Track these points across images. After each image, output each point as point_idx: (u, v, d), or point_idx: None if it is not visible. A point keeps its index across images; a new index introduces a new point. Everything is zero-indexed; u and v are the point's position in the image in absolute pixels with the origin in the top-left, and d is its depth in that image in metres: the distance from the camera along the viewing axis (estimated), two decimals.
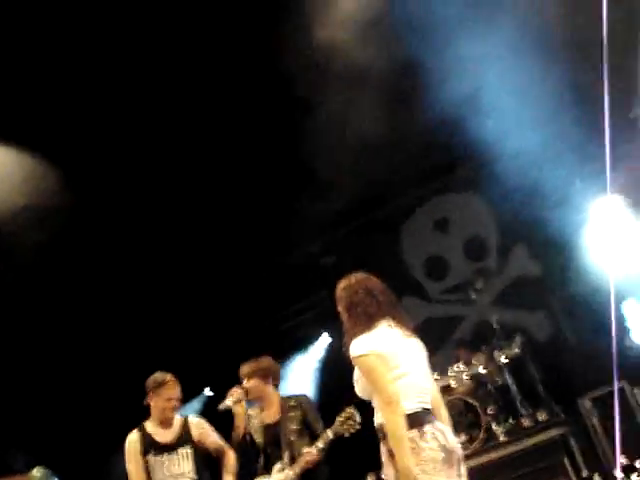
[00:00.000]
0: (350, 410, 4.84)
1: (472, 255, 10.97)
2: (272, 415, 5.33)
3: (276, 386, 5.45)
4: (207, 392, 11.94)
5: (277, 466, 5.18)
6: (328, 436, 4.93)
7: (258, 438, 5.32)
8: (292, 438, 5.15)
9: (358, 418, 4.81)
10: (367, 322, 3.87)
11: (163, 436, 5.27)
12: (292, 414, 5.25)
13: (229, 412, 5.31)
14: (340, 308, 4.08)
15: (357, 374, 3.86)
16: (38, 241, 9.05)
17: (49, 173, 9.13)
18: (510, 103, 8.27)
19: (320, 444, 4.97)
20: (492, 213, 10.86)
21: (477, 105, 8.40)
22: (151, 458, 5.19)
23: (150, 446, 5.22)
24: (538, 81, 8.05)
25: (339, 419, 4.86)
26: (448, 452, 3.61)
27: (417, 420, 3.66)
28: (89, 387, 10.70)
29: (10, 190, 9.17)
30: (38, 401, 10.39)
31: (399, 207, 11.25)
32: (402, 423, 3.56)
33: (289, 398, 5.38)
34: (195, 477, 5.17)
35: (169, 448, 5.20)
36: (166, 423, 5.31)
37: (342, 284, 4.12)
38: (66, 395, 10.59)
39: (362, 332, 3.84)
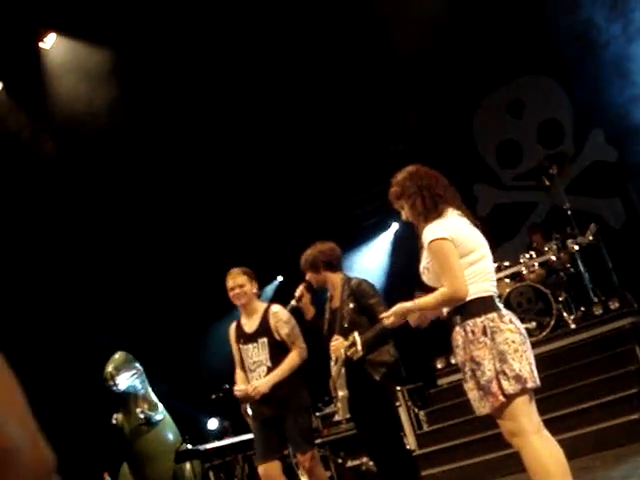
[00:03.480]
0: (353, 337, 4.92)
1: (547, 140, 10.69)
2: (336, 301, 5.41)
3: (335, 270, 5.41)
4: (279, 279, 12.21)
5: (333, 358, 5.26)
6: (342, 356, 5.05)
7: (325, 324, 5.44)
8: (346, 325, 5.19)
9: (359, 346, 4.90)
10: (436, 209, 3.80)
11: (249, 326, 5.60)
12: (347, 302, 5.29)
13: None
14: (404, 198, 3.93)
15: (426, 261, 3.82)
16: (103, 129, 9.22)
17: (112, 65, 9.21)
18: None
19: (340, 363, 5.09)
20: (569, 97, 10.51)
21: None
22: (241, 346, 5.60)
23: (240, 335, 5.62)
24: None
25: (346, 344, 4.95)
26: (524, 336, 3.64)
27: (495, 303, 3.68)
28: (175, 280, 11.07)
29: (75, 82, 9.30)
30: (126, 289, 10.80)
31: (472, 91, 10.95)
32: (453, 307, 3.69)
33: (347, 284, 5.38)
34: (270, 365, 5.44)
35: (252, 337, 5.54)
36: (248, 312, 5.61)
37: (404, 174, 3.97)
38: (154, 287, 10.98)
39: (435, 218, 3.78)
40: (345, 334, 5.12)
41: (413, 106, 10.77)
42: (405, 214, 3.98)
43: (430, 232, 3.74)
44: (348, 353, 4.96)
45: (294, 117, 10.41)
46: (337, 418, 5.59)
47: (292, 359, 5.45)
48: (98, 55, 9.28)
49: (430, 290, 3.90)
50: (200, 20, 9.20)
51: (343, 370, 5.15)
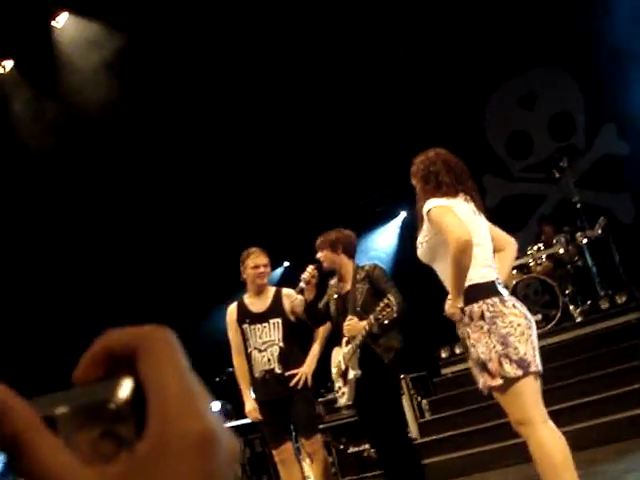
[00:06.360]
0: (390, 298, 4.90)
1: (558, 133, 10.63)
2: (346, 285, 5.43)
3: (350, 256, 5.47)
4: (286, 264, 12.27)
5: (345, 339, 5.32)
6: (371, 320, 5.02)
7: (332, 308, 5.47)
8: (359, 310, 5.24)
9: (395, 307, 4.86)
10: (442, 191, 3.81)
11: (257, 306, 5.59)
12: (361, 285, 5.32)
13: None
14: (415, 181, 4.01)
15: (422, 235, 3.83)
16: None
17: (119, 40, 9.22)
18: None
19: (367, 326, 5.07)
20: (581, 90, 10.44)
21: None
22: (246, 326, 5.56)
23: (245, 316, 5.59)
24: None
25: (380, 305, 4.93)
26: (529, 321, 3.64)
27: (495, 288, 3.67)
28: (181, 260, 11.09)
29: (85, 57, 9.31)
30: (134, 268, 10.81)
31: (484, 81, 10.89)
32: (468, 262, 3.58)
33: (361, 268, 5.43)
34: (282, 345, 5.47)
35: (261, 318, 5.54)
36: (259, 293, 5.61)
37: (419, 157, 4.04)
38: (160, 267, 11.01)
39: (439, 197, 3.80)
40: (358, 315, 5.16)
41: (425, 95, 10.72)
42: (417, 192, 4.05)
43: (430, 203, 3.75)
44: (380, 316, 4.93)
45: (305, 103, 10.38)
46: (342, 403, 5.56)
47: (324, 331, 5.55)
48: (109, 37, 9.27)
49: (424, 266, 3.93)
50: (214, 13, 9.19)
51: (358, 350, 5.18)
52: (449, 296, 3.74)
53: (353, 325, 5.15)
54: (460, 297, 3.64)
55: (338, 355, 5.40)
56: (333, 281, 5.57)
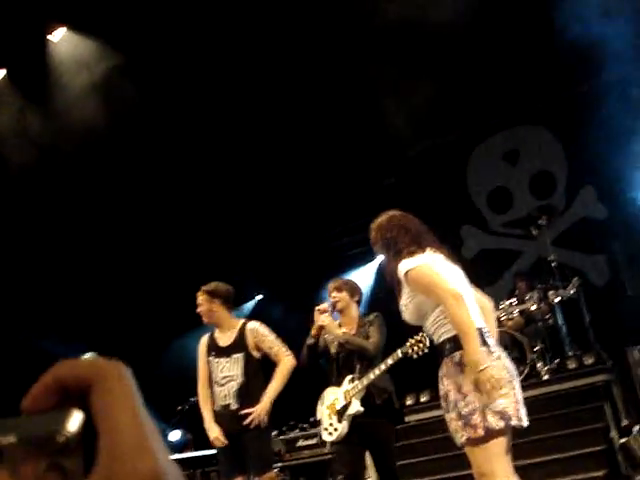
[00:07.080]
0: (422, 334, 4.98)
1: (538, 191, 10.75)
2: (349, 330, 5.54)
3: (359, 305, 5.71)
4: (258, 297, 12.27)
5: (348, 377, 5.41)
6: (397, 355, 5.15)
7: (333, 350, 5.56)
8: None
9: (428, 343, 4.93)
10: (405, 253, 3.81)
11: (223, 340, 5.61)
12: (364, 330, 5.48)
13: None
14: (376, 248, 4.05)
15: (404, 297, 3.82)
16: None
17: (115, 60, 9.24)
18: (589, 38, 8.05)
19: (390, 361, 5.20)
20: (565, 152, 10.59)
21: (555, 40, 8.20)
22: (211, 359, 5.59)
23: (212, 348, 5.62)
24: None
25: (411, 341, 5.03)
26: (511, 374, 3.63)
27: (483, 337, 3.64)
28: (151, 288, 11.02)
29: (79, 74, 9.32)
30: (102, 295, 10.72)
31: (470, 133, 11.03)
32: (470, 316, 3.55)
33: (365, 316, 5.62)
34: (242, 380, 5.44)
35: (225, 351, 5.55)
36: (220, 328, 5.63)
37: (374, 224, 4.05)
38: (128, 293, 10.92)
39: (408, 257, 3.80)
40: (363, 361, 5.36)
41: (410, 141, 10.82)
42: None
43: (404, 265, 3.75)
44: (410, 350, 5.04)
45: (284, 144, 10.42)
46: (328, 440, 5.54)
47: (283, 370, 5.50)
48: (105, 56, 9.30)
49: (397, 312, 3.93)
50: (213, 37, 9.26)
51: (365, 387, 5.30)
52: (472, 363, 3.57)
53: (327, 321, 5.38)
54: (478, 347, 3.54)
55: (334, 393, 5.49)
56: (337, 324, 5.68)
